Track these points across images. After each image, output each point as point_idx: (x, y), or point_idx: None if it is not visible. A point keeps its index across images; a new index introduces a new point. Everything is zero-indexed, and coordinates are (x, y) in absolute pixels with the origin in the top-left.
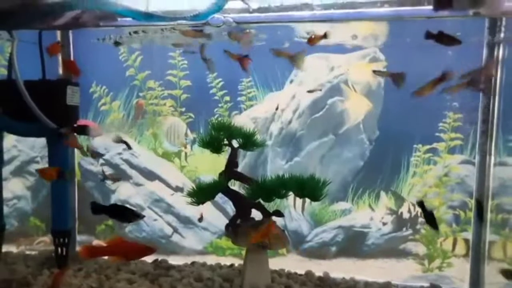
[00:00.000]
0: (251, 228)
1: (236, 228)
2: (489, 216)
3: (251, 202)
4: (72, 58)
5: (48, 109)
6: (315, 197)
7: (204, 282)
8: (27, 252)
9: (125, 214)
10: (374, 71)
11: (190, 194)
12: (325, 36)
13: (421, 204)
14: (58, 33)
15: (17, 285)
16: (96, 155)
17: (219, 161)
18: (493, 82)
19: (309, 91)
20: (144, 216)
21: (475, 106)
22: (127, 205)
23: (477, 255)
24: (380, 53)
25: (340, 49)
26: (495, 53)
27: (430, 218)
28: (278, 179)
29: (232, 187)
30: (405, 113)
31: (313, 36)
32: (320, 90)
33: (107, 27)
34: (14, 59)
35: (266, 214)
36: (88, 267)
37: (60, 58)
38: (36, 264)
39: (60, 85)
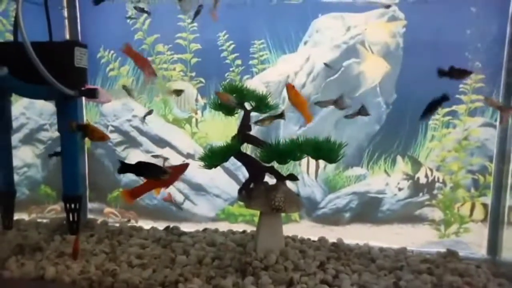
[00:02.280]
0: (264, 192)
1: (250, 192)
2: (509, 180)
3: (264, 166)
4: (78, 21)
5: (56, 71)
6: (331, 159)
7: (217, 247)
8: (39, 220)
9: (152, 170)
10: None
11: (202, 158)
12: None
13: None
14: None
15: (30, 249)
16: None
17: (230, 127)
18: None
19: (326, 65)
20: (167, 172)
21: (499, 67)
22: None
23: (496, 220)
24: (399, 12)
25: (356, 7)
26: None
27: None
28: (292, 142)
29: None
30: (424, 74)
31: None
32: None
33: None
34: (19, 19)
35: (280, 177)
36: (100, 233)
37: (66, 20)
38: (48, 230)
39: (68, 47)
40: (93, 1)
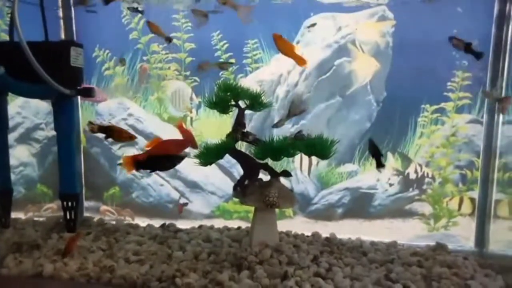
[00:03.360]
0: (259, 188)
1: (244, 189)
2: (495, 175)
3: (258, 163)
4: (73, 21)
5: (52, 70)
6: (324, 156)
7: (213, 243)
8: (35, 218)
9: (167, 161)
10: None
11: (197, 156)
12: None
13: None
14: None
15: (28, 247)
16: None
17: (225, 126)
18: (503, 40)
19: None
20: (187, 155)
21: (485, 65)
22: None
23: (483, 214)
24: (388, 12)
25: (347, 7)
26: (507, 8)
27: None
28: (286, 139)
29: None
30: (413, 72)
31: None
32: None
33: None
34: (15, 19)
35: (274, 174)
36: (97, 231)
37: (61, 20)
38: (45, 229)
39: (64, 46)
40: (103, 1)
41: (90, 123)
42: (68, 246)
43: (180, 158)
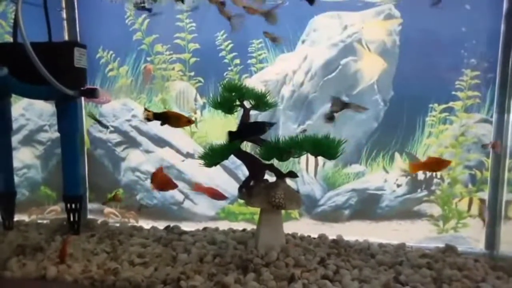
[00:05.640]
0: (264, 189)
1: (250, 190)
2: (506, 175)
3: (264, 163)
4: (77, 22)
5: (56, 71)
6: (331, 156)
7: (218, 245)
8: (39, 221)
9: (258, 128)
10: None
11: (202, 157)
12: None
13: None
14: None
15: (31, 250)
16: None
17: (230, 126)
18: None
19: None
20: (272, 124)
21: (494, 63)
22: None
23: (493, 215)
24: (395, 10)
25: (353, 6)
26: None
27: None
28: (292, 139)
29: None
30: (421, 71)
31: None
32: None
33: None
34: (19, 20)
35: (280, 175)
36: (101, 233)
37: (65, 21)
38: (49, 231)
39: (67, 47)
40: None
41: (146, 110)
42: (61, 252)
43: (270, 125)
